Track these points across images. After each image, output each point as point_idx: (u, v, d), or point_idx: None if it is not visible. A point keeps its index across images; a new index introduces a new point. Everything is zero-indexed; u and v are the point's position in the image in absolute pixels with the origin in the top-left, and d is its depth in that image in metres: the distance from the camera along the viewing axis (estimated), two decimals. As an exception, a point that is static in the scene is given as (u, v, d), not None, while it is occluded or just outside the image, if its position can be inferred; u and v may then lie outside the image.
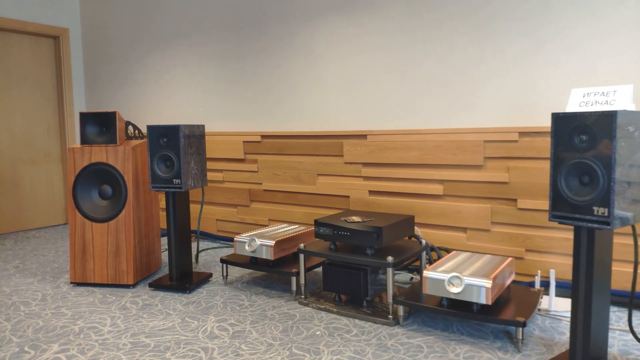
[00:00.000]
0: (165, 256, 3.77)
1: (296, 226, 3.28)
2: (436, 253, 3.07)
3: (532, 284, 2.80)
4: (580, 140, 1.82)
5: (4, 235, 4.64)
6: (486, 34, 2.90)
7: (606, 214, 1.75)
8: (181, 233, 3.06)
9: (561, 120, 1.86)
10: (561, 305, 2.52)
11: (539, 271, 2.69)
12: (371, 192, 3.40)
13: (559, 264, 2.76)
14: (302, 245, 2.74)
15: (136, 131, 3.33)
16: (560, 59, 2.69)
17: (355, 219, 2.70)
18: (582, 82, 2.65)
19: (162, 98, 4.59)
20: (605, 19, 2.56)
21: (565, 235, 2.73)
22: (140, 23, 4.69)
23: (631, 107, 1.89)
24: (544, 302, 2.57)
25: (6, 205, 4.74)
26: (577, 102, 1.94)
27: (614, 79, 2.56)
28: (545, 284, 2.77)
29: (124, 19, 4.82)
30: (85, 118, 3.12)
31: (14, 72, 4.78)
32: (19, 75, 4.82)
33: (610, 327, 2.33)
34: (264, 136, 3.88)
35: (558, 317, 2.44)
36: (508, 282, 2.38)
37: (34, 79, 4.94)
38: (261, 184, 3.93)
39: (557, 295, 2.74)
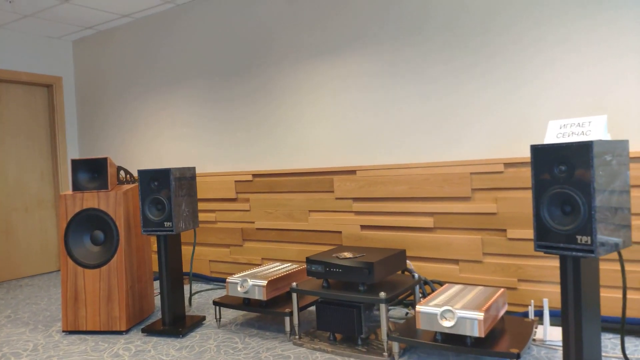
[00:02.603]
0: (158, 300, 3.74)
1: (289, 264, 3.28)
2: (429, 286, 3.07)
3: (526, 314, 2.79)
4: (559, 171, 1.87)
5: (-4, 284, 4.60)
6: (469, 75, 2.99)
7: (589, 242, 1.78)
8: (173, 276, 3.05)
9: (540, 152, 1.90)
10: (556, 335, 2.51)
11: (532, 301, 2.69)
12: (363, 227, 3.42)
13: (552, 293, 2.76)
14: (294, 284, 2.73)
15: (127, 175, 3.36)
16: (536, 90, 2.77)
17: (347, 255, 2.71)
18: (561, 112, 2.71)
19: (154, 142, 4.64)
20: (580, 52, 2.64)
21: (556, 264, 2.74)
22: (131, 70, 4.79)
23: (606, 137, 1.94)
24: (539, 332, 2.56)
25: (-1, 254, 4.72)
26: (554, 133, 2.00)
27: (591, 108, 2.63)
28: (539, 314, 2.76)
29: (116, 67, 4.93)
30: (77, 165, 3.16)
31: (7, 121, 4.84)
32: (13, 123, 4.88)
33: (605, 354, 2.32)
34: (255, 175, 3.92)
35: (553, 347, 2.42)
36: (501, 313, 2.38)
37: (27, 127, 5.00)
38: (254, 222, 3.95)
39: (551, 324, 2.73)
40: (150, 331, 2.94)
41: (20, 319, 3.41)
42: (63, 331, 3.04)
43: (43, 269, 5.06)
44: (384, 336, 2.40)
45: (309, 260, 2.68)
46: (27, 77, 4.91)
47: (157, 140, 4.62)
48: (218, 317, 3.07)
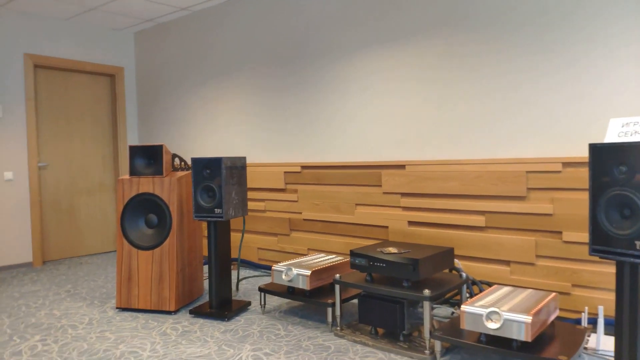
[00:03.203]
0: (207, 284, 3.85)
1: (333, 256, 3.29)
2: (477, 287, 2.99)
3: (578, 321, 2.67)
4: (619, 172, 1.76)
5: (59, 260, 4.89)
6: (524, 66, 2.87)
7: (650, 248, 1.67)
8: (222, 261, 3.14)
9: (599, 151, 1.81)
10: (610, 345, 2.38)
11: (587, 307, 2.56)
12: (410, 223, 3.37)
13: (609, 300, 2.61)
14: (337, 275, 2.74)
15: (182, 163, 3.47)
16: (596, 88, 2.62)
17: (392, 250, 2.68)
18: (625, 111, 2.56)
19: (208, 131, 4.77)
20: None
21: (614, 270, 2.59)
22: (187, 61, 4.93)
23: (675, 137, 1.81)
24: (592, 340, 2.44)
25: (62, 232, 5.01)
26: (615, 132, 1.88)
27: (662, 107, 2.46)
28: (594, 322, 2.63)
29: (173, 58, 5.09)
30: (135, 151, 3.29)
31: (72, 109, 5.11)
32: (78, 111, 5.16)
33: (665, 370, 2.18)
34: (303, 167, 3.95)
35: (606, 357, 2.30)
36: (552, 318, 2.29)
37: (91, 115, 5.26)
38: (301, 213, 3.98)
39: (606, 333, 2.59)
40: (197, 313, 3.04)
41: (79, 294, 3.62)
42: (116, 308, 3.20)
43: (102, 249, 5.33)
44: (426, 334, 2.37)
45: (353, 253, 2.68)
46: (92, 67, 5.16)
47: (210, 129, 4.74)
48: (263, 303, 3.12)
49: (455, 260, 3.12)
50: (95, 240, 5.28)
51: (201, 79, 4.82)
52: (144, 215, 3.26)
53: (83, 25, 5.09)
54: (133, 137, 5.55)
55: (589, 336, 2.37)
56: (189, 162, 4.86)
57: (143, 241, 3.20)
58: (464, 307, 2.19)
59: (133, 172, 3.28)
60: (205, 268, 4.40)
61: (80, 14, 4.76)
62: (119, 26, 5.22)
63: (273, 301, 3.36)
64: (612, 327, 2.59)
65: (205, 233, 4.67)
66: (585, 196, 2.67)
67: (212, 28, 4.69)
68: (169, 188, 3.18)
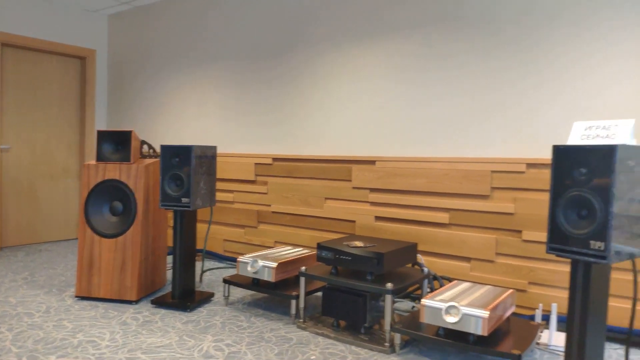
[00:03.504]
0: (170, 274, 3.81)
1: (300, 249, 3.29)
2: (438, 282, 3.04)
3: (533, 318, 2.75)
4: (579, 173, 1.82)
5: (17, 247, 4.75)
6: (496, 70, 2.93)
7: (603, 248, 1.73)
8: (186, 251, 3.10)
9: (561, 153, 1.86)
10: (561, 341, 2.47)
11: (541, 304, 2.64)
12: (377, 218, 3.41)
13: (562, 298, 2.70)
14: (303, 268, 2.75)
15: (151, 150, 3.41)
16: (563, 92, 2.70)
17: (358, 243, 2.71)
18: (590, 115, 2.64)
19: (179, 119, 4.70)
20: (612, 57, 2.56)
21: (569, 269, 2.68)
22: (162, 48, 4.84)
23: (632, 142, 1.88)
24: (544, 336, 2.52)
25: (22, 217, 4.86)
26: (578, 135, 1.94)
27: (620, 112, 2.55)
28: (547, 318, 2.71)
29: (149, 44, 4.99)
30: (102, 136, 3.22)
31: (39, 90, 4.96)
32: (45, 92, 5.00)
33: (613, 366, 2.27)
34: (275, 159, 3.94)
35: (557, 352, 2.38)
36: (508, 314, 2.35)
37: (58, 97, 5.11)
38: (270, 205, 3.97)
39: (558, 330, 2.68)
40: (159, 303, 3.00)
41: (37, 281, 3.52)
42: (76, 296, 3.13)
43: (63, 236, 5.20)
44: (387, 327, 2.40)
45: (319, 246, 2.69)
46: (62, 48, 5.01)
47: (182, 118, 4.68)
48: (226, 294, 3.11)
49: (418, 255, 3.17)
50: (57, 227, 5.14)
51: (175, 66, 4.74)
52: (108, 202, 3.19)
53: (55, 4, 4.93)
54: (101, 123, 5.42)
55: (541, 332, 2.44)
56: (158, 150, 4.78)
57: (106, 229, 3.14)
58: (424, 301, 2.23)
59: (100, 157, 3.20)
60: (169, 258, 4.34)
61: (48, -7, 4.61)
62: (94, 7, 5.07)
63: (237, 293, 3.34)
64: (564, 323, 2.68)
65: (171, 222, 4.61)
66: (545, 197, 2.75)
67: (190, 15, 4.61)
68: (136, 175, 3.12)
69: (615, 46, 2.56)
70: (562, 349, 2.41)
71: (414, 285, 2.76)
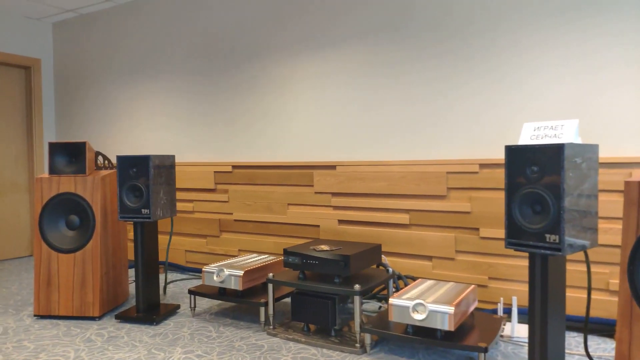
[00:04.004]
0: (133, 287, 3.72)
1: (266, 256, 3.30)
2: (403, 281, 3.13)
3: (495, 311, 2.88)
4: (531, 171, 1.93)
5: (-36, 267, 4.51)
6: (445, 74, 3.05)
7: (557, 240, 1.85)
8: (149, 264, 3.05)
9: (513, 152, 1.97)
10: (523, 332, 2.59)
11: (502, 298, 2.77)
12: (340, 222, 3.46)
13: (521, 291, 2.84)
14: (270, 274, 2.76)
15: (106, 161, 3.33)
16: (509, 94, 2.85)
17: (324, 247, 2.74)
18: (538, 118, 2.80)
19: (133, 128, 4.60)
20: (558, 62, 2.73)
21: (526, 264, 2.82)
22: (112, 54, 4.73)
23: (577, 140, 2.01)
24: (507, 328, 2.64)
25: (-32, 236, 4.62)
26: (528, 135, 2.06)
27: (566, 114, 2.71)
28: (508, 311, 2.84)
29: (96, 52, 4.86)
30: (55, 148, 3.12)
31: (-18, 102, 4.73)
32: (-13, 105, 4.78)
33: (569, 351, 2.41)
34: (235, 166, 3.93)
35: (520, 343, 2.51)
36: (471, 308, 2.45)
37: (3, 109, 4.89)
38: (232, 214, 3.95)
39: (519, 321, 2.81)
40: (123, 318, 2.93)
41: (-10, 302, 3.36)
42: (34, 315, 3.01)
43: (14, 254, 4.97)
44: (357, 328, 2.45)
45: (286, 252, 2.71)
46: (4, 57, 4.80)
47: (136, 127, 4.58)
48: (193, 306, 3.07)
49: (382, 256, 3.25)
50: (7, 244, 4.91)
51: (126, 76, 4.64)
52: (64, 217, 3.09)
53: (-7, 14, 4.73)
54: (50, 134, 5.22)
55: (504, 324, 2.55)
56: (114, 161, 4.65)
57: (64, 244, 3.04)
58: (392, 300, 2.29)
59: (53, 170, 3.10)
60: (131, 271, 4.24)
61: (-10, 1, 4.42)
62: (37, 15, 4.89)
63: (203, 304, 3.31)
64: (525, 315, 2.83)
65: (131, 235, 4.50)
66: (499, 195, 2.89)
67: (138, 21, 4.53)
68: (92, 187, 3.04)
69: (552, 52, 2.72)
70: (525, 340, 2.53)
71: (380, 285, 2.82)
